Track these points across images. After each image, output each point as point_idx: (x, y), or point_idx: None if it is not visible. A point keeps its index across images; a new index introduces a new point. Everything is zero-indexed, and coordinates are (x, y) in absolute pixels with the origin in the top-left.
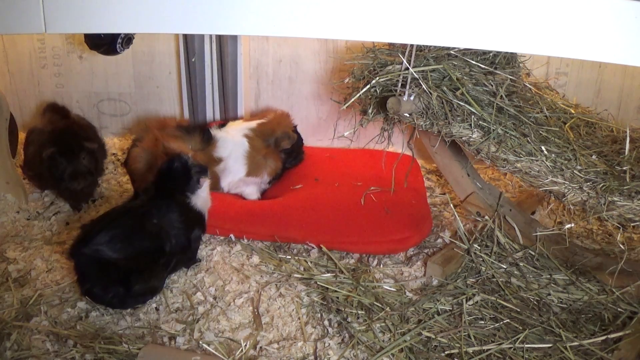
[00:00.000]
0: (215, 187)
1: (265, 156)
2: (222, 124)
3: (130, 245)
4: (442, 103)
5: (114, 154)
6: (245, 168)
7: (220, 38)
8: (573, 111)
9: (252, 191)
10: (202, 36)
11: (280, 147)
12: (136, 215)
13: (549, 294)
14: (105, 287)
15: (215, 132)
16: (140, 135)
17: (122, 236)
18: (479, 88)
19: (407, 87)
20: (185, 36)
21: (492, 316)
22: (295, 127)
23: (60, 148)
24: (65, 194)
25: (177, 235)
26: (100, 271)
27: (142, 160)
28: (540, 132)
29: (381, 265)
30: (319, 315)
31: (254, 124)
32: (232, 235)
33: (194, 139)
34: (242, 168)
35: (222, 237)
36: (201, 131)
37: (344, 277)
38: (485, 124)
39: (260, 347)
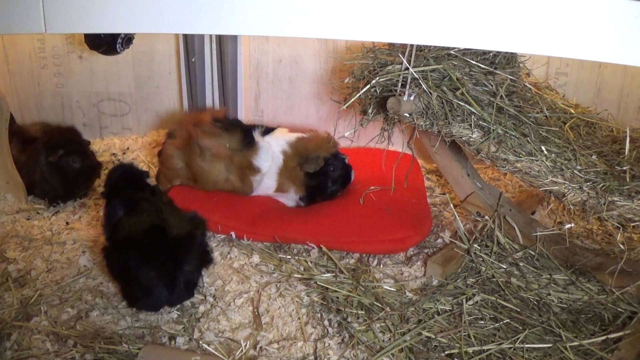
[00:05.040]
0: (245, 192)
1: (292, 173)
2: (270, 129)
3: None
4: (442, 103)
5: (114, 154)
6: (276, 184)
7: (220, 38)
8: (573, 111)
9: (286, 200)
10: (202, 36)
11: (303, 169)
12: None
13: (549, 294)
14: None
15: (258, 137)
16: (173, 130)
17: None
18: (479, 88)
19: (407, 87)
20: (185, 36)
21: (492, 316)
22: (338, 154)
23: None
24: None
25: None
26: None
27: (174, 159)
28: (540, 132)
29: (381, 265)
30: (319, 315)
31: (293, 137)
32: (233, 234)
33: (234, 137)
34: (273, 184)
35: (222, 237)
36: (243, 131)
37: (344, 277)
38: (485, 124)
39: (260, 347)
